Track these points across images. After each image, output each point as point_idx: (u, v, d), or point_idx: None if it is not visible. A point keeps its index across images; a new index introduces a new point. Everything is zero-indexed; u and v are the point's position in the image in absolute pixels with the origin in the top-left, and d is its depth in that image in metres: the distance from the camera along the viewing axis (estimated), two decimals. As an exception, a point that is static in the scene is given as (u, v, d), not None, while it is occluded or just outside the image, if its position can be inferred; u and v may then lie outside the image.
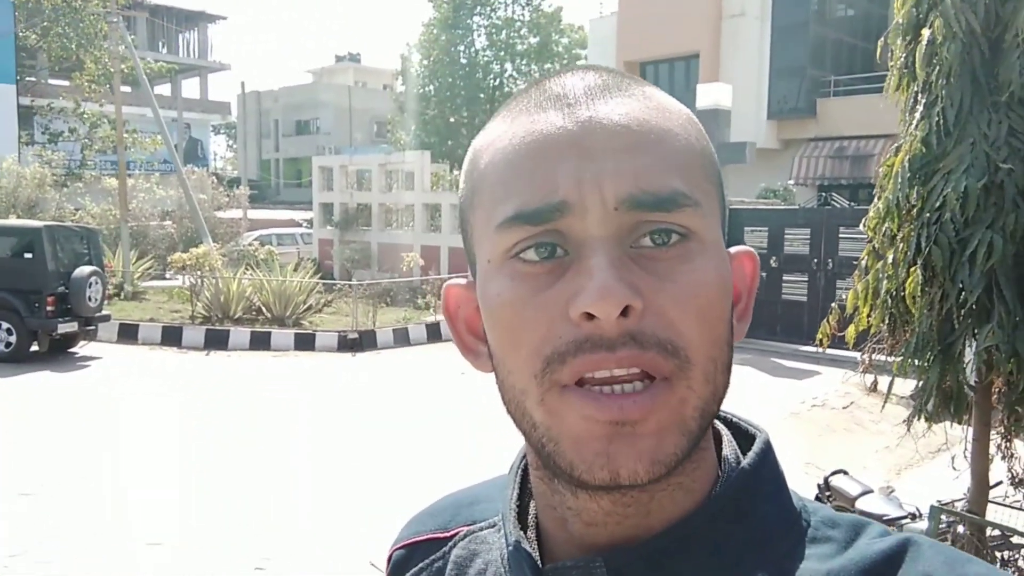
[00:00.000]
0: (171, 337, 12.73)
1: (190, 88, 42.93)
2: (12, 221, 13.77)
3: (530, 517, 0.61)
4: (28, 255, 10.94)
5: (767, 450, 0.59)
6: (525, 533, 0.60)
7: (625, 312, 0.48)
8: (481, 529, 0.67)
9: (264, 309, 13.57)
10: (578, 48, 32.46)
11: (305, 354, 12.20)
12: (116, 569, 4.70)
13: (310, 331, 12.92)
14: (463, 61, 32.37)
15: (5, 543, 4.98)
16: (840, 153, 19.39)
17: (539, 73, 32.98)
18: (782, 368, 11.14)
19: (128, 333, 12.87)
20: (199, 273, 13.84)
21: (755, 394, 9.53)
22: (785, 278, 12.80)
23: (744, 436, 0.61)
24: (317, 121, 47.60)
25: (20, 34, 25.57)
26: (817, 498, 4.78)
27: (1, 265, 11.02)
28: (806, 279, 12.54)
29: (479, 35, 32.55)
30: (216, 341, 12.57)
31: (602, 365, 0.49)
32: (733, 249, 0.59)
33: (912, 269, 3.05)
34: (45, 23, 25.20)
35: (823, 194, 13.79)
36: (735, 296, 0.57)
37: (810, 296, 12.44)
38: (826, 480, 4.83)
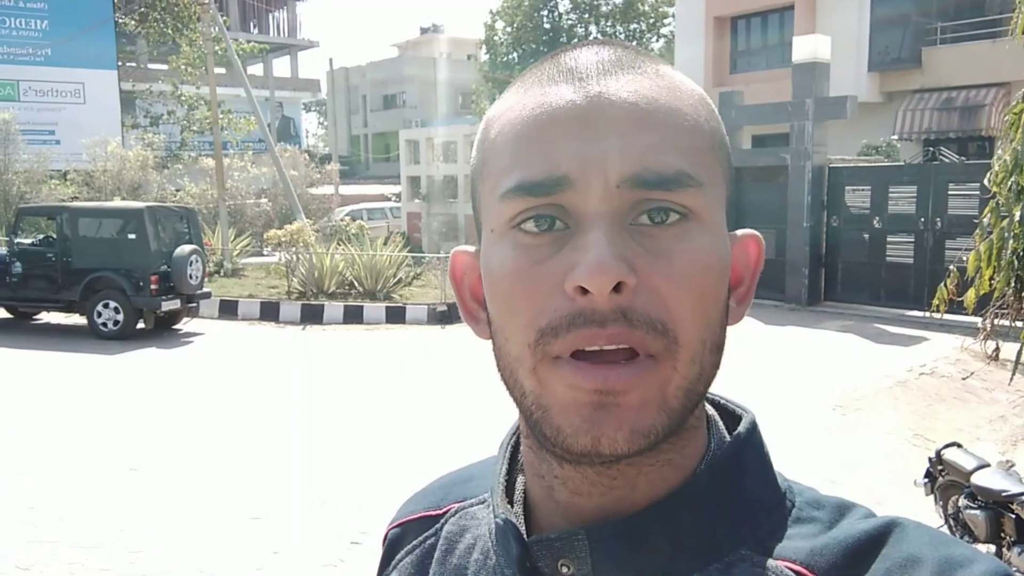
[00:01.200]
0: (269, 312, 13.08)
1: (281, 67, 43.80)
2: (116, 203, 14.37)
3: (518, 491, 0.63)
4: (132, 236, 11.36)
5: (752, 430, 0.60)
6: (512, 507, 0.61)
7: (618, 288, 0.49)
8: (472, 505, 0.69)
9: (356, 283, 13.79)
10: (665, 6, 31.57)
11: (396, 327, 12.35)
12: (219, 542, 4.82)
13: (400, 304, 13.06)
14: (546, 26, 31.98)
15: (114, 517, 5.18)
16: (948, 105, 18.27)
17: (624, 35, 32.35)
18: (887, 334, 10.64)
19: (228, 309, 13.29)
20: (294, 249, 14.14)
21: (859, 361, 9.15)
22: (889, 239, 12.19)
23: (732, 417, 0.62)
24: (403, 95, 47.96)
25: (119, 21, 26.51)
26: (928, 472, 4.51)
27: (107, 246, 11.49)
28: (912, 240, 11.89)
29: (562, -2, 32.05)
30: (311, 316, 12.86)
31: (593, 341, 0.50)
32: (739, 232, 0.60)
33: (1045, 229, 2.76)
34: (142, 9, 26.06)
35: (929, 149, 13.04)
36: (736, 279, 0.59)
37: (916, 258, 11.81)
38: (938, 453, 4.53)
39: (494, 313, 0.56)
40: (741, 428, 0.60)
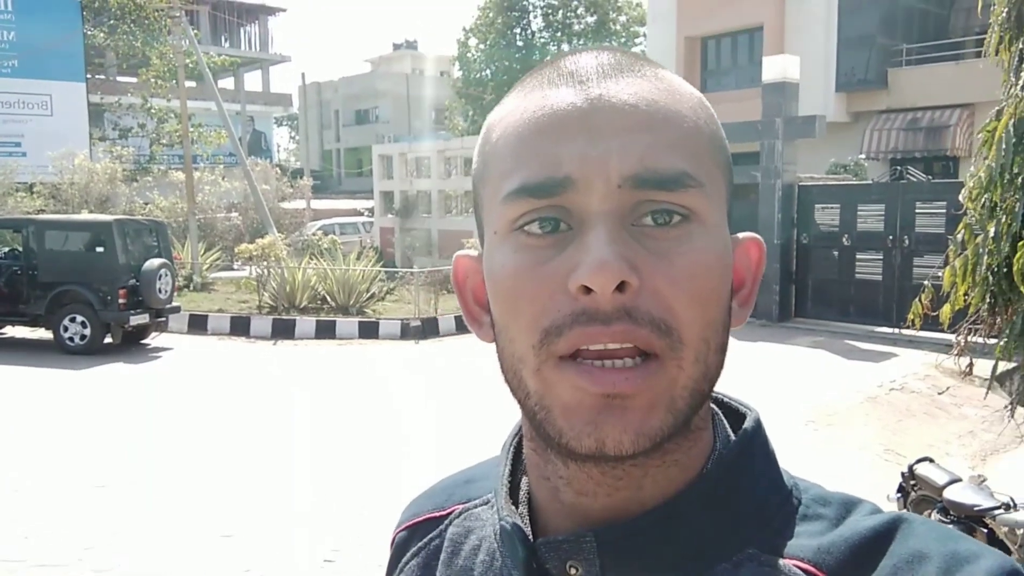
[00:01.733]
0: (239, 327, 12.93)
1: (252, 81, 43.65)
2: (84, 216, 14.15)
3: (522, 492, 0.62)
4: (100, 249, 11.18)
5: (758, 428, 0.60)
6: (517, 508, 0.61)
7: (621, 287, 0.49)
8: (475, 506, 0.68)
9: (328, 298, 13.69)
10: (637, 25, 31.91)
11: (369, 342, 12.27)
12: (189, 561, 4.73)
13: (373, 319, 12.98)
14: (519, 43, 32.16)
15: (80, 535, 5.06)
16: (913, 125, 18.63)
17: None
18: (856, 350, 10.76)
19: (198, 324, 13.12)
20: (265, 264, 14.01)
21: (829, 377, 9.23)
22: (858, 257, 12.35)
23: (737, 416, 0.62)
24: (376, 110, 47.95)
25: (88, 33, 26.23)
26: (901, 487, 4.55)
27: (74, 259, 11.31)
28: (880, 257, 12.06)
29: (535, 16, 32.28)
30: (283, 330, 12.73)
31: (597, 339, 0.50)
32: (741, 235, 0.60)
33: (1021, 243, 2.79)
34: (112, 21, 25.82)
35: (896, 168, 13.26)
36: (738, 282, 0.59)
37: (885, 275, 11.98)
38: (911, 468, 4.57)
39: (497, 315, 0.56)
40: (747, 426, 0.60)
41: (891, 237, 11.84)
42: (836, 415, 7.72)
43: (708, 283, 0.53)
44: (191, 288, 15.83)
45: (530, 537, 0.58)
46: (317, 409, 8.25)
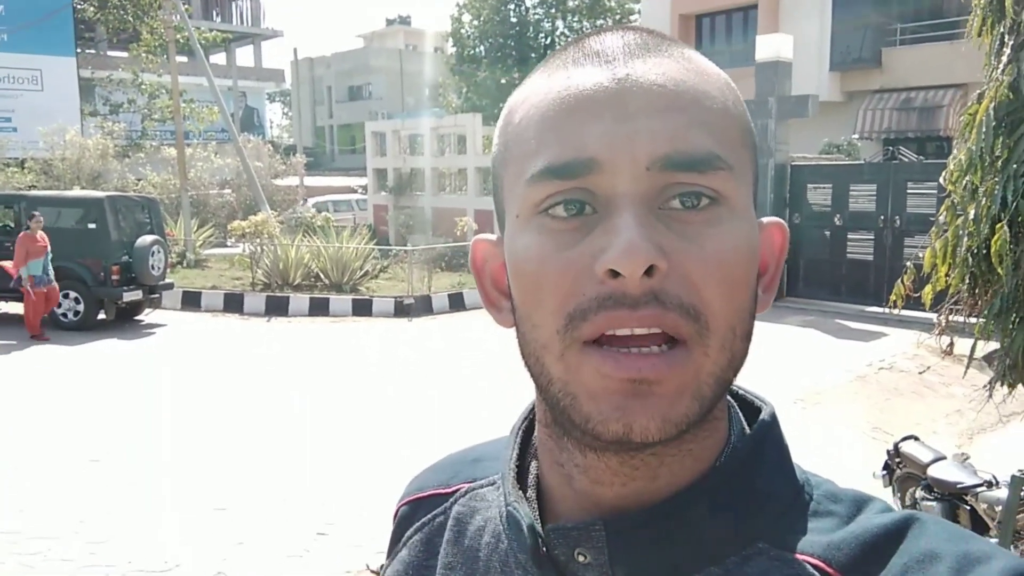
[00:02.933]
0: (233, 304, 12.95)
1: (244, 56, 43.24)
2: (75, 192, 14.10)
3: (530, 477, 0.62)
4: (92, 225, 11.17)
5: (772, 423, 0.60)
6: (524, 493, 0.61)
7: (650, 271, 0.48)
8: (481, 487, 0.68)
9: (322, 276, 13.71)
10: (631, 2, 31.70)
11: (363, 319, 12.30)
12: (184, 534, 4.79)
13: (367, 297, 13.01)
14: (513, 20, 31.91)
15: (75, 508, 5.12)
16: (907, 105, 18.63)
17: (591, 30, 32.39)
18: (847, 330, 10.85)
19: (191, 300, 13.14)
20: (258, 241, 13.99)
21: (819, 356, 9.31)
22: (850, 237, 12.41)
23: (751, 409, 0.62)
24: (369, 86, 47.68)
25: (77, 7, 25.96)
26: (887, 464, 4.62)
27: (67, 236, 11.27)
28: (872, 238, 12.12)
29: (529, -8, 32.04)
30: (276, 308, 12.76)
31: (624, 323, 0.49)
32: (764, 220, 0.59)
33: (998, 225, 2.84)
34: (102, -5, 25.55)
35: (889, 148, 13.29)
36: (762, 267, 0.58)
37: (876, 255, 12.04)
38: (896, 446, 4.65)
39: (519, 300, 0.55)
40: (762, 419, 0.60)
41: (883, 217, 11.90)
42: (825, 393, 7.80)
43: (737, 268, 0.52)
44: (184, 265, 15.82)
45: (534, 523, 0.57)
46: (311, 385, 8.30)
